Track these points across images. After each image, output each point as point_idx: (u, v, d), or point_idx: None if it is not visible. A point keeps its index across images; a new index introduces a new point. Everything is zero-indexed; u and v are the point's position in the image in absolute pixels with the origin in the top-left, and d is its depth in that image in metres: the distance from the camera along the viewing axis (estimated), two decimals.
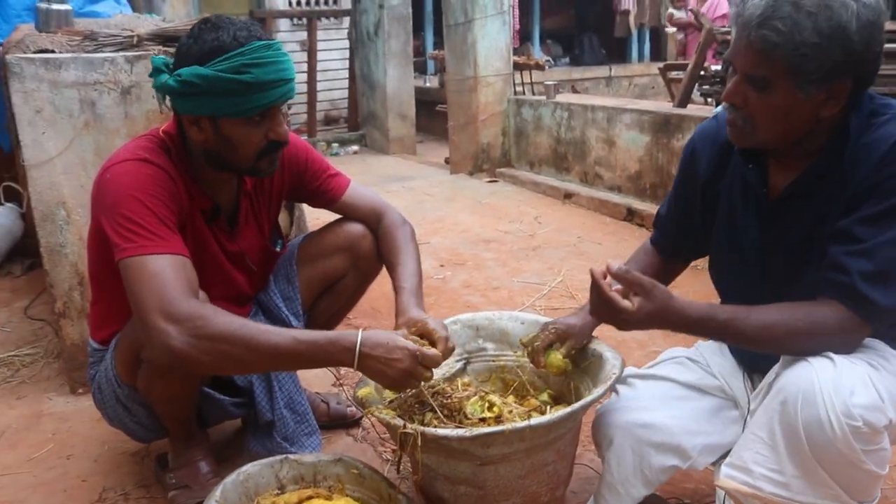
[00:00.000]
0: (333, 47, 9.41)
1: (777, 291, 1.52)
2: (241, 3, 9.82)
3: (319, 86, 8.95)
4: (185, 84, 1.67)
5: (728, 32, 4.77)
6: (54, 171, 2.52)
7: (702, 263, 1.93)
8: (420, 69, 11.71)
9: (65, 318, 2.67)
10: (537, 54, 12.49)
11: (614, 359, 1.79)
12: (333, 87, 9.49)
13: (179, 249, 1.67)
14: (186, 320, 1.55)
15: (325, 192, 2.13)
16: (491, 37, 6.56)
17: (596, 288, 1.49)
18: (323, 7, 10.10)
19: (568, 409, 1.63)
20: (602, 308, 1.50)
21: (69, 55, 2.54)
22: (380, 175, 7.23)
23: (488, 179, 6.66)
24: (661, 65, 7.75)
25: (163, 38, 2.74)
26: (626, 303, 1.46)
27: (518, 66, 7.12)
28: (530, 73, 7.31)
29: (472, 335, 2.10)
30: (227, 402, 2.05)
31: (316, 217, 2.72)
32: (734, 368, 1.81)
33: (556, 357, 1.83)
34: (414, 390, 1.78)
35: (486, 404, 1.80)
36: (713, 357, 1.85)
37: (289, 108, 1.97)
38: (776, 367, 1.49)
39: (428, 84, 11.06)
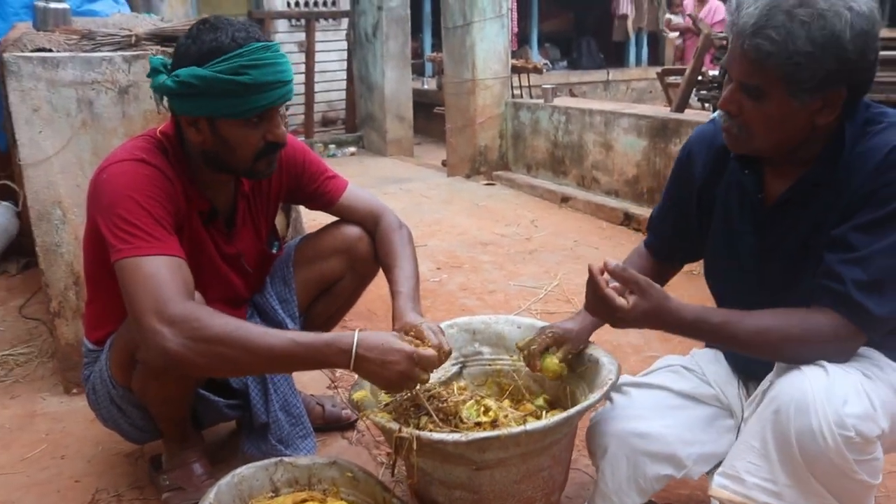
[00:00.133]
0: (331, 48, 9.40)
1: (773, 298, 1.52)
2: (240, 4, 9.82)
3: (317, 87, 8.94)
4: (183, 85, 1.66)
5: (726, 38, 4.78)
6: (51, 171, 2.51)
7: (697, 268, 1.93)
8: (418, 71, 11.71)
9: (60, 317, 2.66)
10: (535, 58, 12.51)
11: (611, 364, 1.79)
12: (331, 88, 9.48)
13: (175, 251, 1.67)
14: (182, 322, 1.54)
15: (322, 194, 2.13)
16: (489, 40, 6.56)
17: (592, 284, 1.49)
18: (321, 8, 10.09)
19: (564, 415, 1.63)
20: (597, 305, 1.51)
21: (67, 54, 2.53)
22: (377, 177, 7.23)
23: (485, 182, 6.66)
24: (658, 69, 7.78)
25: (161, 37, 2.73)
26: (621, 301, 1.47)
27: (516, 70, 7.12)
28: (528, 77, 7.32)
29: (468, 339, 2.10)
30: (221, 404, 2.04)
31: (313, 219, 2.72)
32: (729, 376, 1.80)
33: (552, 361, 1.83)
34: (410, 393, 1.77)
35: (482, 408, 1.80)
36: (708, 365, 1.84)
37: (286, 109, 1.97)
38: (770, 376, 1.49)
39: (426, 86, 11.07)
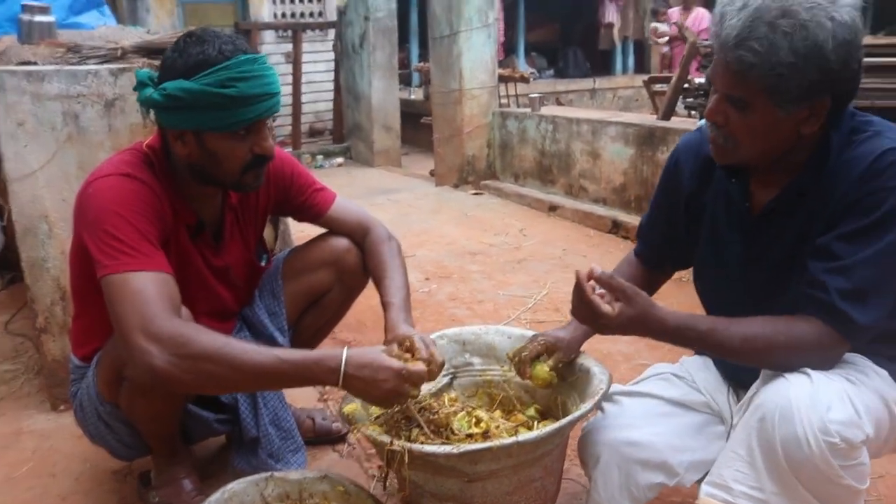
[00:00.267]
0: (318, 59, 9.42)
1: (760, 306, 1.52)
2: (227, 16, 9.81)
3: (304, 98, 8.95)
4: (170, 98, 1.65)
5: (711, 45, 4.81)
6: (36, 185, 2.49)
7: (686, 275, 1.93)
8: (405, 81, 11.73)
9: (46, 333, 2.63)
10: (522, 67, 12.57)
11: (602, 374, 1.78)
12: (318, 99, 9.49)
13: (162, 266, 1.65)
14: (168, 339, 1.53)
15: (310, 206, 2.12)
16: (476, 49, 6.58)
17: (578, 290, 1.51)
18: (308, 19, 10.11)
19: (556, 425, 1.62)
20: (583, 311, 1.52)
21: (52, 67, 2.52)
22: (365, 187, 7.23)
23: (473, 192, 6.66)
24: (645, 77, 7.81)
25: (147, 50, 2.73)
26: (606, 307, 1.48)
27: (503, 79, 7.14)
28: (515, 86, 7.34)
29: (458, 350, 2.09)
30: (211, 419, 2.03)
31: (301, 231, 2.71)
32: (719, 383, 1.81)
33: (543, 369, 1.83)
34: (401, 407, 1.76)
35: (473, 420, 1.79)
36: (698, 373, 1.84)
37: (273, 121, 1.96)
38: (756, 383, 1.49)
39: (413, 96, 11.09)
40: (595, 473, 1.74)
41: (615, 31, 14.11)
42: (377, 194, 6.78)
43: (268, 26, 9.57)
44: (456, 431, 1.75)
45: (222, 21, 9.32)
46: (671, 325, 1.49)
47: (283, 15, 10.16)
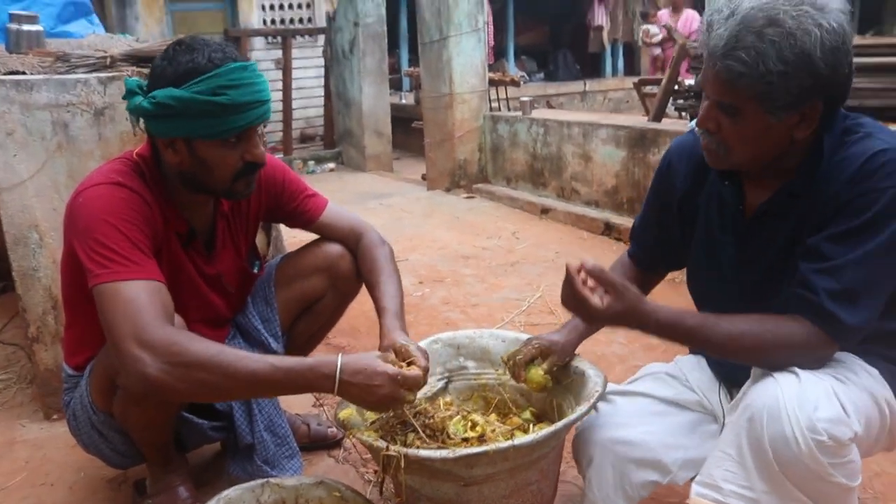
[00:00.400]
0: (309, 65, 9.43)
1: (753, 307, 1.53)
2: (216, 23, 9.80)
3: (295, 104, 8.95)
4: (160, 106, 1.65)
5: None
6: (26, 194, 2.48)
7: (680, 276, 1.94)
8: (395, 86, 11.74)
9: (38, 342, 2.62)
10: (512, 70, 12.59)
11: (597, 376, 1.79)
12: (309, 105, 9.50)
13: (154, 275, 1.65)
14: (161, 347, 1.52)
15: (302, 212, 2.12)
16: (466, 54, 6.59)
17: (569, 282, 1.51)
18: (298, 26, 10.11)
19: (552, 428, 1.63)
20: (572, 302, 1.53)
21: (41, 76, 2.51)
22: (357, 192, 7.22)
23: (465, 195, 6.67)
24: (635, 79, 7.84)
25: (136, 58, 2.72)
26: (595, 300, 1.48)
27: (493, 83, 7.16)
28: (506, 90, 7.36)
29: (453, 354, 2.09)
30: (205, 426, 2.02)
31: (293, 237, 2.70)
32: (712, 382, 1.81)
33: (537, 373, 1.83)
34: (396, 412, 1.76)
35: (469, 423, 1.79)
36: (692, 372, 1.85)
37: (264, 127, 1.96)
38: (748, 382, 1.50)
39: (404, 101, 11.09)
40: (589, 473, 1.75)
41: (605, 34, 14.15)
42: (369, 199, 6.78)
43: (257, 33, 9.57)
44: (452, 435, 1.75)
45: (211, 28, 9.32)
46: (659, 320, 1.49)
47: (273, 21, 10.16)
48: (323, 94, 9.24)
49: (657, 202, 1.84)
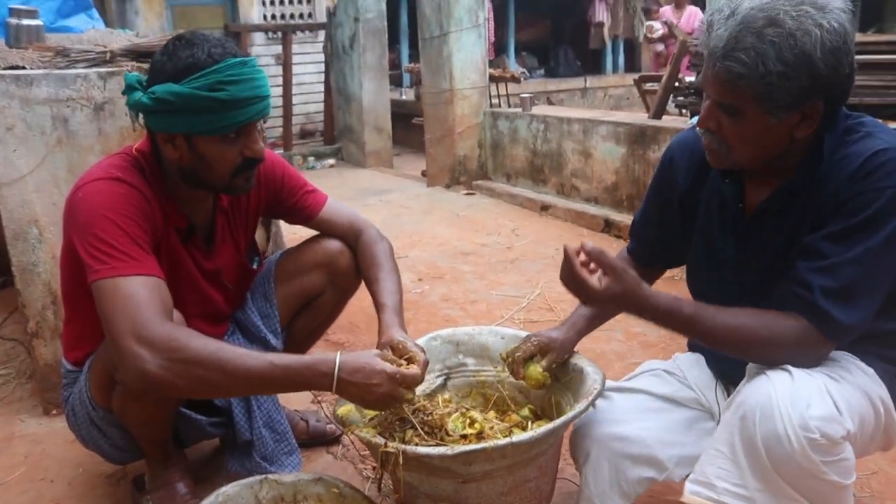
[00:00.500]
0: (309, 61, 9.40)
1: (752, 305, 1.53)
2: (216, 18, 9.78)
3: (295, 99, 8.93)
4: (159, 102, 1.65)
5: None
6: (26, 189, 2.48)
7: (679, 273, 1.94)
8: (396, 82, 11.73)
9: (38, 337, 2.62)
10: (513, 66, 12.59)
11: (595, 374, 1.79)
12: (309, 100, 9.47)
13: (153, 270, 1.65)
14: (160, 343, 1.52)
15: (301, 208, 2.12)
16: (466, 49, 6.59)
17: (568, 263, 1.51)
18: (298, 21, 10.08)
19: (550, 426, 1.63)
20: (571, 282, 1.53)
21: (41, 71, 2.51)
22: (356, 188, 7.22)
23: (465, 192, 6.66)
24: (635, 76, 7.82)
25: (136, 53, 2.71)
26: (594, 282, 1.49)
27: (494, 79, 7.14)
28: (506, 86, 7.34)
29: (452, 350, 2.09)
30: (204, 422, 2.02)
31: (293, 233, 2.71)
32: (710, 380, 1.82)
33: (536, 370, 1.83)
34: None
35: (468, 420, 1.79)
36: (690, 369, 1.86)
37: (264, 122, 1.97)
38: (743, 381, 1.50)
39: (404, 97, 11.09)
40: (585, 469, 1.75)
41: (605, 30, 14.13)
42: (369, 195, 6.78)
43: (257, 28, 9.55)
44: (450, 432, 1.75)
45: (212, 23, 9.30)
46: (657, 305, 1.50)
47: (273, 17, 10.14)
48: (323, 89, 9.23)
49: (658, 199, 1.84)
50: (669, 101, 5.50)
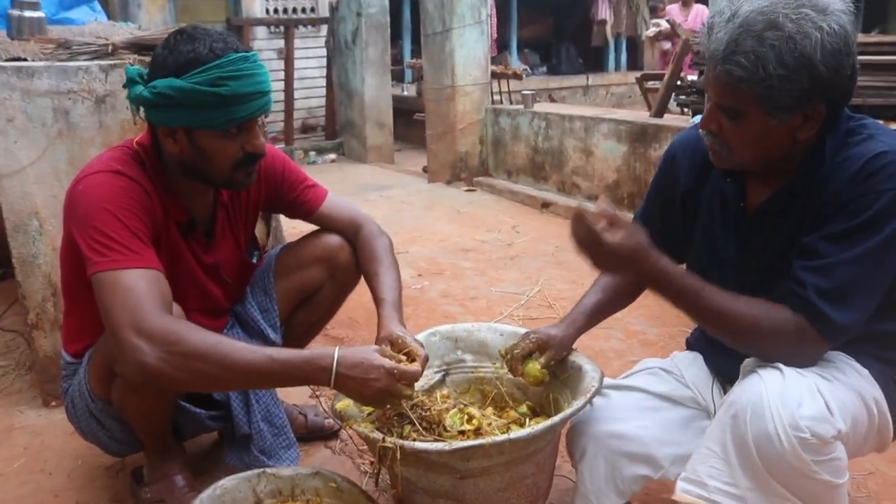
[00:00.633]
0: (311, 55, 9.39)
1: None
2: (218, 11, 9.77)
3: (297, 94, 8.93)
4: (161, 96, 1.65)
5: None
6: (27, 181, 2.48)
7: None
8: (398, 78, 11.72)
9: (37, 329, 2.62)
10: (515, 63, 12.55)
11: (593, 371, 1.79)
12: (311, 95, 9.46)
13: (153, 263, 1.65)
14: (160, 336, 1.52)
15: (302, 203, 2.12)
16: (469, 46, 6.58)
17: (581, 218, 1.48)
18: (300, 15, 10.07)
19: (548, 423, 1.63)
20: (585, 239, 1.49)
21: (42, 63, 2.51)
22: (357, 183, 7.22)
23: (466, 188, 6.66)
24: (638, 74, 7.82)
25: (138, 46, 2.71)
26: (608, 235, 1.46)
27: (496, 76, 7.14)
28: (508, 83, 7.33)
29: (450, 347, 2.10)
30: (203, 416, 2.03)
31: (293, 227, 2.70)
32: (708, 378, 1.82)
33: (534, 367, 1.83)
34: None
35: (466, 417, 1.80)
36: (687, 368, 1.86)
37: (266, 117, 1.98)
38: (738, 381, 1.50)
39: (406, 93, 11.07)
40: (582, 466, 1.76)
41: (608, 28, 14.10)
42: (370, 191, 6.78)
43: (260, 22, 9.54)
44: (448, 428, 1.75)
45: (214, 17, 9.29)
46: (665, 270, 1.48)
47: (276, 11, 10.13)
48: (325, 84, 9.22)
49: (659, 197, 1.84)
50: (671, 100, 5.49)
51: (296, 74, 8.82)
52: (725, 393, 1.74)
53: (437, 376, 2.06)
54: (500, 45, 13.20)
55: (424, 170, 7.33)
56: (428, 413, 1.78)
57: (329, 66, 9.11)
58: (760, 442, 1.36)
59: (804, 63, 1.34)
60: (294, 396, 2.61)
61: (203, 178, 1.82)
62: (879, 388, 1.50)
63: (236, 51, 1.68)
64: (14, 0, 2.97)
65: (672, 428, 1.75)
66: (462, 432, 1.74)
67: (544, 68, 14.37)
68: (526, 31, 14.46)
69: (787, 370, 1.41)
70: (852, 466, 2.11)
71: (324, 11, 9.63)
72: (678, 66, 5.33)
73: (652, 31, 9.15)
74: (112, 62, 2.58)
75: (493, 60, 8.11)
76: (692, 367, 1.86)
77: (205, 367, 1.54)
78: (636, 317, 3.38)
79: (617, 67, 14.54)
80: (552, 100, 10.69)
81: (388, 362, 1.61)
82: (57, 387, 2.29)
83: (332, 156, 8.95)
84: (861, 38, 4.72)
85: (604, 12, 13.95)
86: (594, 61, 14.69)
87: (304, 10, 10.29)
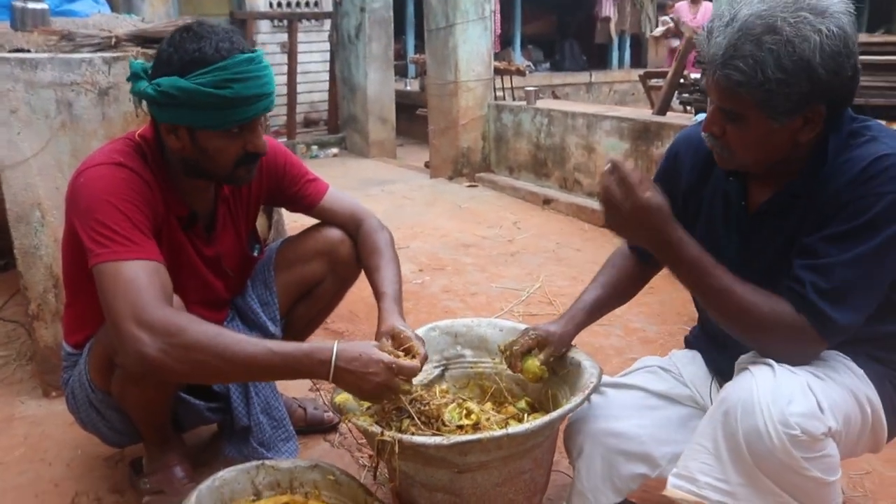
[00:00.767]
0: (314, 49, 9.39)
1: None
2: (222, 5, 9.75)
3: (299, 88, 8.93)
4: (164, 95, 1.65)
5: None
6: (29, 172, 2.49)
7: None
8: (401, 73, 11.72)
9: (38, 320, 2.63)
10: (518, 60, 12.54)
11: (592, 368, 1.80)
12: (314, 89, 9.46)
13: (154, 255, 1.66)
14: (160, 328, 1.53)
15: (303, 197, 2.12)
16: (472, 41, 6.58)
17: (616, 166, 1.45)
18: (304, 9, 10.06)
19: (546, 418, 1.64)
20: (615, 188, 1.45)
21: (45, 55, 2.51)
22: (359, 178, 7.22)
23: (468, 184, 6.66)
24: (641, 72, 7.81)
25: (141, 39, 2.71)
26: (643, 190, 1.43)
27: (499, 72, 7.14)
28: (511, 79, 7.34)
29: (450, 342, 2.10)
30: (202, 407, 2.03)
31: (294, 221, 2.71)
32: (706, 377, 1.82)
33: (533, 363, 1.84)
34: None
35: (464, 411, 1.80)
36: (686, 366, 1.86)
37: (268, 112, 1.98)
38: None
39: (409, 88, 11.07)
40: (579, 463, 1.77)
41: (612, 25, 14.08)
42: (372, 185, 6.78)
43: (263, 16, 9.53)
44: (447, 423, 1.76)
45: (217, 10, 9.27)
46: (682, 237, 1.46)
47: (279, 4, 10.10)
48: (328, 78, 9.22)
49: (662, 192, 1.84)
50: (674, 98, 5.49)
51: (299, 69, 8.81)
52: None
53: (437, 371, 2.07)
54: (504, 42, 13.19)
55: (426, 165, 7.33)
56: (427, 407, 1.79)
57: (332, 61, 9.10)
58: (751, 438, 1.37)
59: (803, 67, 1.34)
60: (294, 390, 2.62)
61: (204, 175, 1.82)
62: (874, 389, 1.51)
63: (242, 51, 1.68)
64: None
65: (670, 426, 1.76)
66: (460, 427, 1.75)
67: (548, 65, 14.35)
68: (530, 28, 14.44)
69: (779, 368, 1.42)
70: (849, 466, 2.12)
71: (327, 6, 9.62)
72: (682, 63, 5.32)
73: (660, 28, 9.15)
74: (115, 54, 2.59)
75: (497, 56, 8.11)
76: (691, 365, 1.86)
77: (204, 359, 1.54)
78: (636, 314, 3.38)
79: (620, 65, 14.53)
80: (555, 96, 10.68)
81: (386, 357, 1.62)
82: (57, 377, 2.30)
83: (335, 150, 8.95)
84: (865, 38, 4.71)
85: (608, 9, 13.93)
86: (598, 58, 14.68)
87: (307, 4, 10.26)
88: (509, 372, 1.95)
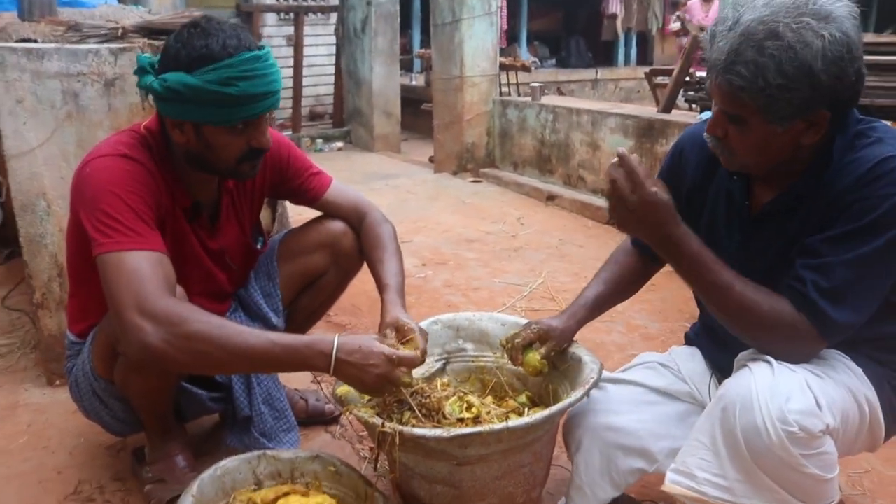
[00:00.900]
0: (320, 43, 9.39)
1: None
2: None
3: (305, 81, 8.93)
4: (170, 90, 1.66)
5: None
6: (35, 162, 2.50)
7: None
8: (406, 67, 11.70)
9: (43, 308, 2.65)
10: (524, 55, 12.55)
11: (593, 363, 1.81)
12: (319, 82, 9.46)
13: (157, 246, 1.66)
14: (163, 318, 1.54)
15: (306, 189, 2.13)
16: (478, 37, 6.57)
17: (624, 158, 1.45)
18: (310, 2, 10.05)
19: (545, 412, 1.65)
20: (622, 180, 1.46)
21: (52, 45, 2.52)
22: (364, 172, 7.22)
23: (472, 179, 6.67)
24: (647, 69, 7.80)
25: (148, 30, 2.72)
26: (648, 181, 1.44)
27: (504, 67, 7.13)
28: (516, 75, 7.33)
29: (452, 335, 2.11)
30: (204, 397, 2.05)
31: (299, 213, 2.72)
32: (705, 373, 1.83)
33: (534, 357, 1.84)
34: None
35: (465, 405, 1.81)
36: (685, 363, 1.87)
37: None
38: None
39: (414, 82, 11.06)
40: (577, 457, 1.78)
41: (618, 22, 14.07)
42: (376, 179, 6.79)
43: (270, 9, 9.52)
44: (447, 415, 1.77)
45: (224, 2, 9.25)
46: (686, 232, 1.47)
47: None
48: (333, 72, 9.22)
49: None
50: (679, 96, 5.48)
51: (305, 62, 8.81)
52: None
53: (438, 364, 2.08)
54: (510, 37, 13.18)
55: (431, 160, 7.34)
56: (428, 400, 1.79)
57: (338, 55, 9.10)
58: (749, 435, 1.37)
59: (804, 72, 1.34)
60: (295, 381, 2.63)
61: (208, 169, 1.83)
62: (873, 388, 1.51)
63: (249, 49, 1.68)
64: None
65: (668, 422, 1.77)
66: (461, 420, 1.76)
67: (553, 61, 14.34)
68: (536, 24, 14.43)
69: (778, 365, 1.42)
70: (848, 465, 2.13)
71: None
72: (687, 61, 5.32)
73: (674, 25, 9.12)
74: (122, 46, 2.59)
75: (503, 52, 8.10)
76: (690, 361, 1.87)
77: (207, 349, 1.55)
78: (638, 311, 3.39)
79: (626, 62, 14.51)
80: (560, 93, 10.66)
81: (387, 349, 1.62)
82: (61, 366, 2.31)
83: (339, 144, 8.95)
84: (872, 38, 4.70)
85: (614, 6, 13.92)
86: (604, 55, 14.66)
87: None
88: (510, 366, 1.96)
